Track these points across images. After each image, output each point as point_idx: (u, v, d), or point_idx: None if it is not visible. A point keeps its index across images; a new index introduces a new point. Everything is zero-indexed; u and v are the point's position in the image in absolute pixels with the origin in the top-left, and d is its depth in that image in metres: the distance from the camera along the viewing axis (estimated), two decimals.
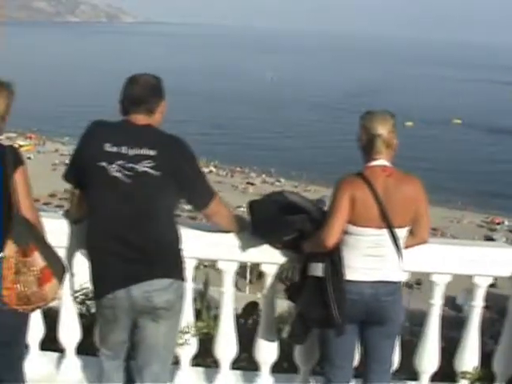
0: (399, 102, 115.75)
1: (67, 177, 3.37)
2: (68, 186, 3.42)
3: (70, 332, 4.08)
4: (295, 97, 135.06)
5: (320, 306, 3.39)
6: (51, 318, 4.22)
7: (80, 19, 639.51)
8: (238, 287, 34.40)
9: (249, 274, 43.06)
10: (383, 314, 3.48)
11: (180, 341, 3.89)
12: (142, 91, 3.20)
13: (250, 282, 42.88)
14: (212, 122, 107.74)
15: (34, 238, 3.09)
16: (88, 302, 4.67)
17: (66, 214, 3.73)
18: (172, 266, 3.30)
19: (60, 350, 4.24)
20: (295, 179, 78.26)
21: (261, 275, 4.37)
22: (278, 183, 77.49)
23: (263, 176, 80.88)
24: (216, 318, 4.36)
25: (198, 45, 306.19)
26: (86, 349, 4.19)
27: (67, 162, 3.56)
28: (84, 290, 4.55)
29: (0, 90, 3.05)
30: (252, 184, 78.49)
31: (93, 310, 4.24)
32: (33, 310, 3.26)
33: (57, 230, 3.55)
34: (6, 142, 3.13)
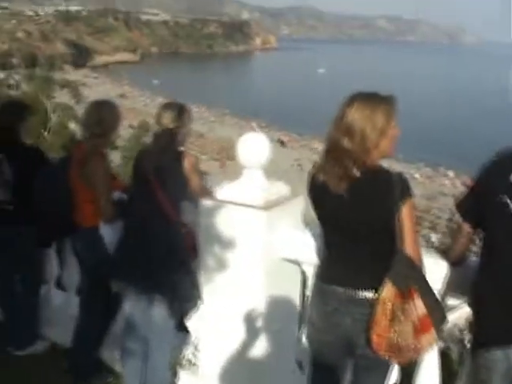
0: None
1: (460, 207, 3.07)
2: None
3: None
4: None
5: None
6: None
7: (420, 39, 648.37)
8: None
9: None
10: None
11: None
12: None
13: None
14: None
15: (416, 279, 2.88)
16: None
17: (446, 252, 3.46)
18: None
19: None
20: None
21: None
22: None
23: None
24: None
25: None
26: None
27: None
28: None
29: (377, 104, 2.92)
30: None
31: None
32: (401, 362, 3.11)
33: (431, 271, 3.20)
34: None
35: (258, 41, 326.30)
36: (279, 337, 4.12)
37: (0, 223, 4.87)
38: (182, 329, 4.37)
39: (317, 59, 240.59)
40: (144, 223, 4.04)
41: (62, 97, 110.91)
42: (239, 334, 4.09)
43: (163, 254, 3.98)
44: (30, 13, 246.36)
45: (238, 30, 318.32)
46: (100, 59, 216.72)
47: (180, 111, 4.14)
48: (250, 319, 4.04)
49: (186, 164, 4.00)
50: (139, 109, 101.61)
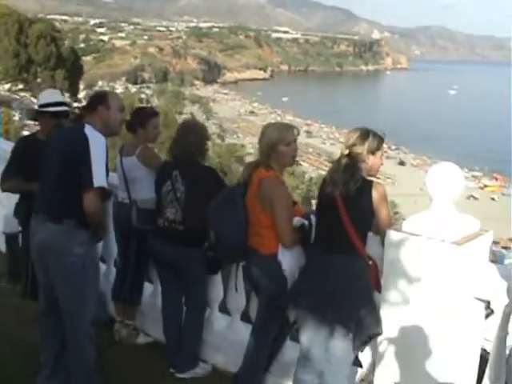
0: None
1: None
2: None
3: None
4: None
5: None
6: None
7: None
8: None
9: None
10: None
11: None
12: None
13: None
14: None
15: None
16: None
17: None
18: None
19: None
20: None
21: None
22: None
23: None
24: None
25: None
26: None
27: None
28: None
29: None
30: None
31: None
32: None
33: None
34: None
35: (388, 61, 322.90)
36: (461, 377, 3.92)
37: (170, 243, 4.94)
38: (356, 363, 4.25)
39: (448, 80, 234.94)
40: (328, 253, 3.96)
41: (193, 112, 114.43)
42: (416, 371, 3.92)
43: (347, 286, 3.88)
44: (162, 29, 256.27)
45: (368, 49, 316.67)
46: (230, 76, 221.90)
47: (369, 137, 4.04)
48: (429, 357, 3.86)
49: (375, 194, 3.90)
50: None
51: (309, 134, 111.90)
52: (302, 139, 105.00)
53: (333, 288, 3.88)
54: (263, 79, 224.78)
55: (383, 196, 3.92)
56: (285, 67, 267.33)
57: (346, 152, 4.01)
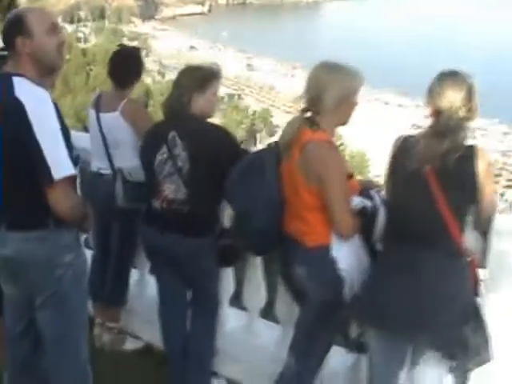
0: None
1: None
2: None
3: None
4: None
5: None
6: None
7: None
8: None
9: None
10: None
11: None
12: None
13: None
14: None
15: None
16: None
17: None
18: None
19: None
20: None
21: None
22: None
23: None
24: None
25: None
26: None
27: None
28: None
29: None
30: None
31: None
32: None
33: None
34: None
35: None
36: None
37: (170, 230, 3.70)
38: None
39: (393, 8, 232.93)
40: (414, 248, 2.85)
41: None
42: None
43: (445, 294, 2.79)
44: None
45: None
46: (168, 11, 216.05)
47: (471, 91, 2.89)
48: None
49: (481, 165, 2.78)
50: (210, 60, 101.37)
51: (250, 67, 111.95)
52: (243, 73, 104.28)
53: (424, 298, 2.79)
54: (201, 13, 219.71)
55: (490, 167, 2.82)
56: (223, 1, 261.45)
57: (463, 113, 2.84)
